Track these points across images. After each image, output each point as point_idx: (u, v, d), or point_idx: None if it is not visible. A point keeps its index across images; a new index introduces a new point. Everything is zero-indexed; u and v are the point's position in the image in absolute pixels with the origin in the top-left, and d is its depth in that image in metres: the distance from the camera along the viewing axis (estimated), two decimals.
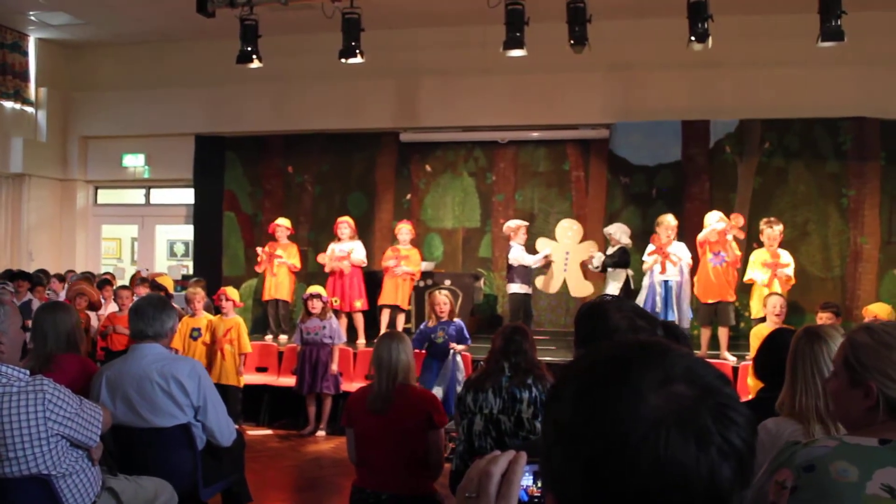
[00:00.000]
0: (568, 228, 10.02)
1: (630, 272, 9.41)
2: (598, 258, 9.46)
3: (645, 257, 9.26)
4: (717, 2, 8.32)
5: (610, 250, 9.45)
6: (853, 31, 8.26)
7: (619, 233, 9.42)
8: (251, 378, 9.14)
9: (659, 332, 2.10)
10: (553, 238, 10.02)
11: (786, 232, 9.39)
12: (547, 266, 9.93)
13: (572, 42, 8.53)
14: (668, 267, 9.02)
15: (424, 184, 12.09)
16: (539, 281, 10.11)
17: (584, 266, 9.76)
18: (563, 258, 9.82)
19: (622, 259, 9.32)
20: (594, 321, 2.15)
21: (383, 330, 10.06)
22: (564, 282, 9.92)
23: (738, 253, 9.13)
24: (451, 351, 7.84)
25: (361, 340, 10.12)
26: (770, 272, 8.89)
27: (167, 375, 4.10)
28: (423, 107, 11.89)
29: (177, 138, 12.69)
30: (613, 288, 9.25)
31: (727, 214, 9.24)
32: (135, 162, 13.30)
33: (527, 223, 10.05)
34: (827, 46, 8.32)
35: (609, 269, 9.36)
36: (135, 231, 13.99)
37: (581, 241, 9.90)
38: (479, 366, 6.22)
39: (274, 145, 12.56)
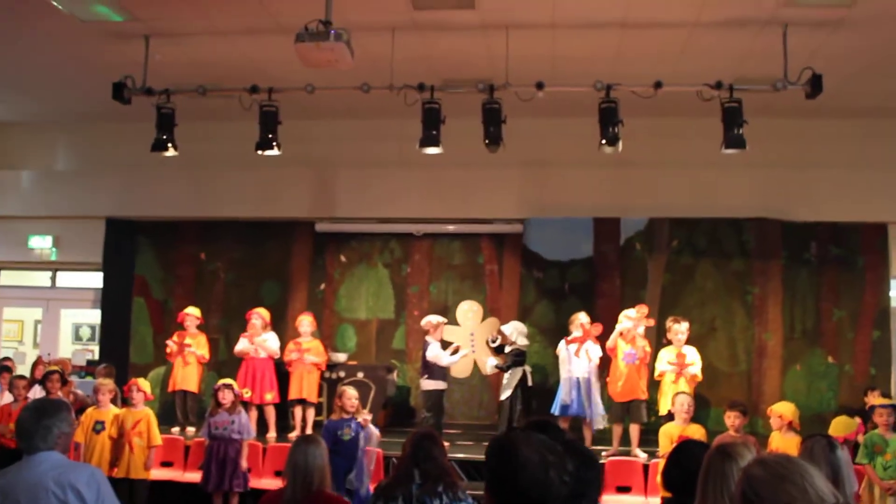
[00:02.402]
0: (469, 310, 10.15)
1: (527, 368, 9.53)
2: (491, 363, 9.67)
3: (561, 349, 9.38)
4: (628, 104, 8.49)
5: (507, 349, 9.59)
6: (755, 137, 8.58)
7: (515, 333, 9.58)
8: (156, 473, 8.80)
9: (569, 465, 2.10)
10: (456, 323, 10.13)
11: (693, 328, 9.63)
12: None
13: (487, 142, 8.64)
14: (581, 355, 9.18)
15: (339, 274, 12.04)
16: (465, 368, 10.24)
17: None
18: (468, 341, 9.90)
19: (517, 360, 9.46)
20: (504, 458, 2.15)
21: (294, 425, 9.90)
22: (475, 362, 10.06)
23: (649, 350, 9.31)
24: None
25: (272, 434, 9.91)
26: (676, 371, 9.08)
27: (64, 484, 3.91)
28: (340, 197, 11.92)
29: (87, 221, 12.40)
30: (510, 387, 9.33)
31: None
32: (42, 244, 12.90)
33: (445, 320, 10.03)
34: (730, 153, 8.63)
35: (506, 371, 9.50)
36: (39, 314, 13.54)
37: (483, 320, 10.01)
38: (391, 463, 6.10)
39: (187, 231, 12.37)
